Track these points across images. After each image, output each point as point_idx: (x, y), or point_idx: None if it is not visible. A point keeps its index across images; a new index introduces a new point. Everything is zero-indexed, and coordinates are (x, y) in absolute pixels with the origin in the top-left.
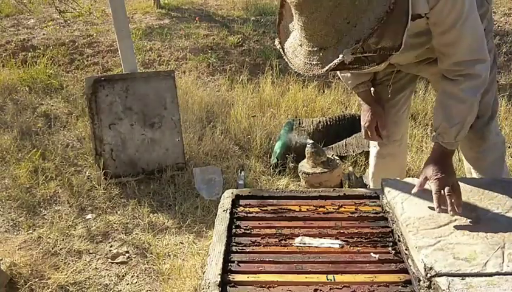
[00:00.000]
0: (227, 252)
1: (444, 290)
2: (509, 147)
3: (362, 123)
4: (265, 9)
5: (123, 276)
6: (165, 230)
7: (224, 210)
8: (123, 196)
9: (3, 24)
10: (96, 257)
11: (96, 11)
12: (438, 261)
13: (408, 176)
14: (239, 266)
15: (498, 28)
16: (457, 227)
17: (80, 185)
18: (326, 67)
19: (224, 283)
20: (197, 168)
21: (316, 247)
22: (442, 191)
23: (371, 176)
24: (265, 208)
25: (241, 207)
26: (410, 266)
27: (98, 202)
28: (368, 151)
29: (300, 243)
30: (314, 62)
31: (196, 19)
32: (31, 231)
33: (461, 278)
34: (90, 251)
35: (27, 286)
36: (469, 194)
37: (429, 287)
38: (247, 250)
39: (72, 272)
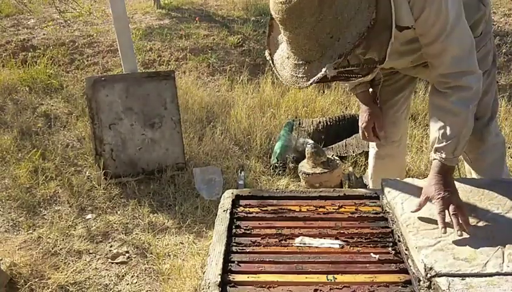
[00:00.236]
0: (227, 252)
1: (444, 290)
2: (509, 147)
3: (360, 124)
4: (265, 9)
5: (123, 276)
6: (165, 230)
7: (224, 210)
8: (123, 196)
9: (3, 24)
10: (96, 257)
11: (96, 11)
12: (438, 261)
13: (408, 176)
14: (239, 266)
15: (498, 28)
16: None
17: (80, 185)
18: (311, 81)
19: (224, 283)
20: (197, 168)
21: (316, 247)
22: (446, 211)
23: (370, 177)
24: (265, 208)
25: (241, 207)
26: (410, 266)
27: (98, 202)
28: (368, 152)
29: (300, 243)
30: (300, 75)
31: (196, 19)
32: (31, 231)
33: (461, 278)
34: (90, 251)
35: (27, 286)
36: (469, 194)
37: (429, 287)
38: (247, 251)
39: (72, 272)
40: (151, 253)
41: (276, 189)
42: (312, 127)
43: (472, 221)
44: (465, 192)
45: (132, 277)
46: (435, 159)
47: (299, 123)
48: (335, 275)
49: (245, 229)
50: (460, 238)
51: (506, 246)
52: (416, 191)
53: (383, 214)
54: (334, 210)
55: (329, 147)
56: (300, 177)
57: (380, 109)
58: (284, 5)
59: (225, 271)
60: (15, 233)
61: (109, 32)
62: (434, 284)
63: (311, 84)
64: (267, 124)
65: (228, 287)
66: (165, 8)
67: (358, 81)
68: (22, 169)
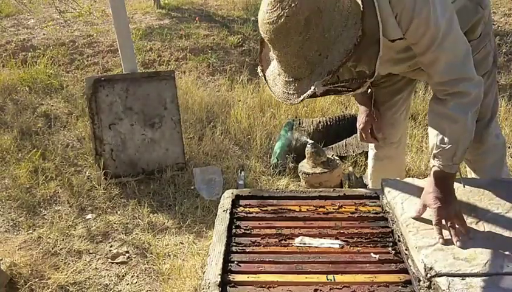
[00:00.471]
0: (227, 252)
1: (444, 290)
2: (509, 147)
3: (357, 125)
4: None
5: (123, 276)
6: (165, 230)
7: (224, 210)
8: (123, 196)
9: (3, 24)
10: (96, 257)
11: (96, 11)
12: (438, 261)
13: (408, 176)
14: (239, 266)
15: (498, 28)
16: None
17: (80, 185)
18: (301, 97)
19: (224, 283)
20: (197, 168)
21: (316, 247)
22: (443, 221)
23: (369, 178)
24: (265, 208)
25: (241, 207)
26: (410, 266)
27: (98, 202)
28: (368, 152)
29: (300, 243)
30: (291, 92)
31: (196, 19)
32: (31, 231)
33: (461, 278)
34: (90, 251)
35: (27, 286)
36: (469, 194)
37: (429, 287)
38: (247, 251)
39: (72, 272)
40: (151, 253)
41: (276, 189)
42: (312, 127)
43: (472, 221)
44: (465, 192)
45: (132, 277)
46: (433, 166)
47: (299, 123)
48: (335, 275)
49: (245, 229)
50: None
51: (506, 245)
52: (416, 191)
53: (383, 214)
54: (334, 210)
55: (329, 147)
56: (300, 177)
57: (379, 111)
58: (271, 26)
59: (225, 271)
60: (15, 233)
61: (109, 32)
62: (434, 284)
63: (302, 100)
64: (267, 124)
65: (228, 287)
66: (165, 8)
67: (350, 94)
68: (22, 169)
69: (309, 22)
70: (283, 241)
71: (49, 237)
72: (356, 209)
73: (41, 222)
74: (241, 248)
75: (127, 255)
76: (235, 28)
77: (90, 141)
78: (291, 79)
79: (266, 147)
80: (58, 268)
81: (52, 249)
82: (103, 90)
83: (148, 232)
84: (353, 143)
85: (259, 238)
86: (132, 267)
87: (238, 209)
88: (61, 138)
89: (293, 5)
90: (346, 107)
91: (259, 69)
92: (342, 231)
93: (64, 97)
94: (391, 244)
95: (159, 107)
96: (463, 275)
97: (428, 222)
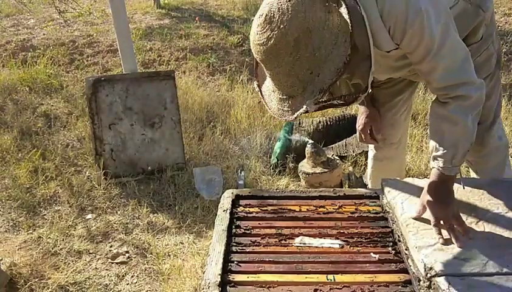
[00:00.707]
0: (227, 252)
1: (444, 290)
2: (510, 147)
3: (357, 126)
4: None
5: (123, 276)
6: (165, 230)
7: (224, 210)
8: (123, 196)
9: (3, 24)
10: (96, 257)
11: (96, 11)
12: (438, 261)
13: (408, 176)
14: (239, 266)
15: (499, 28)
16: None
17: (80, 185)
18: (296, 115)
19: (224, 283)
20: (197, 168)
21: (316, 247)
22: (441, 221)
23: (369, 178)
24: (265, 208)
25: (241, 207)
26: (410, 266)
27: (98, 202)
28: (368, 152)
29: (300, 243)
30: (286, 109)
31: (196, 19)
32: (31, 231)
33: (461, 278)
34: (90, 251)
35: (27, 286)
36: (469, 194)
37: (429, 287)
38: (247, 250)
39: (72, 272)
40: (151, 254)
41: (276, 189)
42: (312, 127)
43: (472, 221)
44: (465, 192)
45: (132, 277)
46: (433, 167)
47: (299, 123)
48: (335, 275)
49: (245, 229)
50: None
51: (506, 245)
52: (416, 191)
53: (383, 214)
54: (334, 210)
55: (329, 147)
56: (300, 177)
57: (378, 112)
58: (261, 47)
59: (225, 270)
60: (15, 233)
61: (109, 32)
62: (434, 284)
63: (296, 117)
64: (267, 124)
65: (228, 287)
66: (165, 8)
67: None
68: (22, 169)
69: (299, 42)
70: (283, 241)
71: (49, 237)
72: (356, 209)
73: (41, 222)
74: (241, 248)
75: (127, 255)
76: (235, 28)
77: (90, 141)
78: (285, 97)
79: (266, 147)
80: (58, 268)
81: (52, 249)
82: (103, 90)
83: (148, 232)
84: (353, 143)
85: (259, 238)
86: (132, 267)
87: (238, 209)
88: (61, 138)
89: (282, 26)
90: (346, 108)
91: (255, 84)
92: (342, 231)
93: (64, 97)
94: (391, 244)
95: (159, 107)
96: (463, 275)
97: (429, 222)
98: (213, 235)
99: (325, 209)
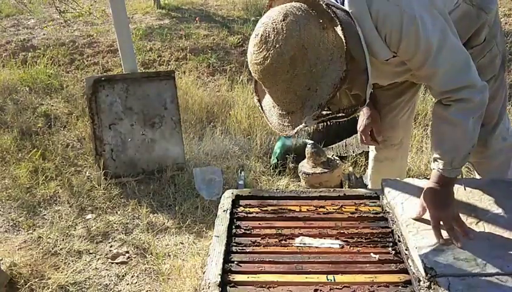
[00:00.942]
0: (227, 252)
1: (444, 290)
2: None
3: (358, 128)
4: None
5: (123, 276)
6: (165, 230)
7: (224, 210)
8: (123, 196)
9: (3, 24)
10: (96, 257)
11: (97, 11)
12: (438, 261)
13: (408, 176)
14: (239, 266)
15: None
16: None
17: (80, 185)
18: (295, 129)
19: (224, 283)
20: (197, 168)
21: (316, 247)
22: (441, 222)
23: (369, 179)
24: (265, 208)
25: (241, 207)
26: (410, 266)
27: (98, 202)
28: (369, 152)
29: (300, 243)
30: (286, 124)
31: (196, 19)
32: (31, 231)
33: (461, 278)
34: (90, 251)
35: (27, 286)
36: (469, 194)
37: (429, 287)
38: (247, 251)
39: (72, 272)
40: (151, 254)
41: (277, 189)
42: (312, 127)
43: (472, 221)
44: (465, 192)
45: (132, 277)
46: (433, 169)
47: None
48: (335, 275)
49: (245, 229)
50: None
51: (506, 245)
52: (416, 191)
53: (383, 214)
54: (334, 210)
55: (329, 147)
56: (300, 177)
57: (379, 113)
58: (258, 66)
59: (225, 271)
60: (15, 233)
61: (109, 32)
62: (434, 284)
63: (296, 132)
64: (267, 124)
65: (228, 287)
66: (165, 8)
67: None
68: (22, 169)
69: (295, 60)
70: (283, 241)
71: (49, 237)
72: (356, 209)
73: (41, 222)
74: (241, 248)
75: (127, 255)
76: (235, 28)
77: (90, 141)
78: (284, 113)
79: (266, 147)
80: (58, 268)
81: (52, 249)
82: (103, 90)
83: (148, 232)
84: (353, 143)
85: (260, 238)
86: (132, 267)
87: (238, 209)
88: (61, 138)
89: (277, 45)
90: None
91: (255, 100)
92: (342, 231)
93: (64, 97)
94: (391, 244)
95: (159, 107)
96: (463, 275)
97: (429, 222)
98: (213, 235)
99: (325, 209)
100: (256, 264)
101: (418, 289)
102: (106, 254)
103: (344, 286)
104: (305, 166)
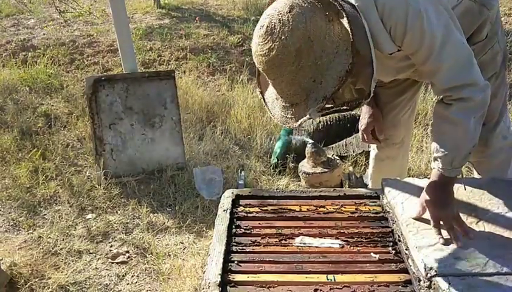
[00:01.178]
0: (227, 252)
1: (444, 290)
2: None
3: (359, 126)
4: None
5: (123, 276)
6: (165, 230)
7: (224, 210)
8: (123, 196)
9: (3, 24)
10: (97, 256)
11: (97, 11)
12: (438, 261)
13: (409, 176)
14: (240, 266)
15: None
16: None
17: (80, 185)
18: (299, 122)
19: (224, 283)
20: (198, 168)
21: (316, 247)
22: (441, 222)
23: (369, 178)
24: (265, 208)
25: (241, 207)
26: (410, 266)
27: (98, 202)
28: (369, 151)
29: (300, 243)
30: (289, 116)
31: (196, 19)
32: (31, 231)
33: (461, 278)
34: (91, 251)
35: (27, 286)
36: (469, 194)
37: (429, 287)
38: (247, 250)
39: (72, 272)
40: (151, 253)
41: (277, 189)
42: (312, 127)
43: (472, 221)
44: (465, 192)
45: (132, 277)
46: (433, 168)
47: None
48: (335, 275)
49: (245, 229)
50: (460, 238)
51: (506, 245)
52: (416, 191)
53: (383, 214)
54: (334, 210)
55: (330, 147)
56: (300, 176)
57: (381, 112)
58: (263, 58)
59: (225, 270)
60: (15, 233)
61: (109, 32)
62: (434, 284)
63: (300, 124)
64: (267, 124)
65: (228, 287)
66: (165, 8)
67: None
68: (22, 169)
69: (301, 52)
70: (283, 241)
71: (49, 237)
72: (356, 209)
73: (41, 222)
74: (241, 248)
75: (127, 255)
76: (235, 27)
77: (90, 141)
78: (288, 105)
79: (266, 147)
80: (58, 268)
81: (52, 248)
82: (103, 90)
83: (148, 232)
84: (353, 142)
85: (260, 238)
86: (132, 267)
87: (238, 209)
88: (61, 138)
89: (283, 37)
90: None
91: (258, 92)
92: (342, 231)
93: (64, 97)
94: (391, 244)
95: (159, 107)
96: (463, 275)
97: (429, 222)
98: (213, 235)
99: (325, 209)
100: (256, 264)
101: (418, 289)
102: (106, 254)
103: (344, 286)
104: (305, 166)
